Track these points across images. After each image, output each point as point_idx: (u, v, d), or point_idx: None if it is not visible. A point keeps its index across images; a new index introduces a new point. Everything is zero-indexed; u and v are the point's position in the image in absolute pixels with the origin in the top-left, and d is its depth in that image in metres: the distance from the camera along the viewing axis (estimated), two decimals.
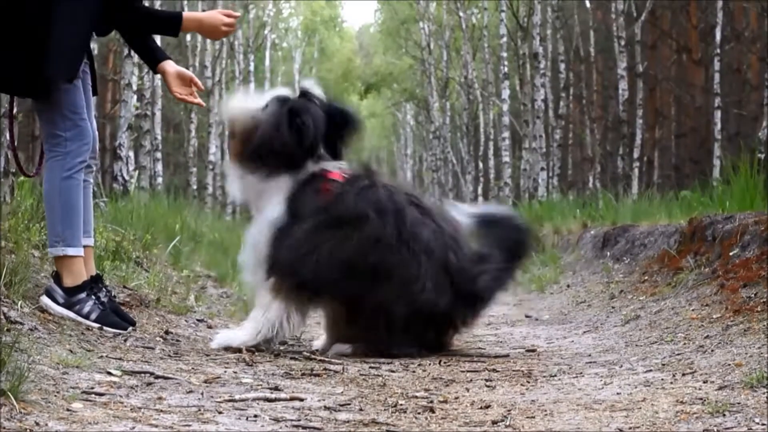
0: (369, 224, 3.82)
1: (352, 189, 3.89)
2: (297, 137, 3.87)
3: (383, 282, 3.82)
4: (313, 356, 3.79)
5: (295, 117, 3.88)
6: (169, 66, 4.07)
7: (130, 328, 3.95)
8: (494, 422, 2.49)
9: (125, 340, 3.73)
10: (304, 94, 3.97)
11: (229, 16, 4.04)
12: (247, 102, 4.01)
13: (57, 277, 3.88)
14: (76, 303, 3.85)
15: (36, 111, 3.92)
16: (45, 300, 3.85)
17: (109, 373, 2.96)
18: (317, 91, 4.00)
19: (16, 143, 4.16)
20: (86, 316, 3.85)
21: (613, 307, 5.52)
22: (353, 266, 3.81)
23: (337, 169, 3.96)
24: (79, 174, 3.85)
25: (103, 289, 3.97)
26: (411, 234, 3.86)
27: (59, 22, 3.74)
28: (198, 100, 4.16)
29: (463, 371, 3.54)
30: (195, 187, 20.20)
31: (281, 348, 3.98)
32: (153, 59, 4.12)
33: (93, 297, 3.89)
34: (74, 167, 3.83)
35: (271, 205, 3.89)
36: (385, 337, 3.87)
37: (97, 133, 4.06)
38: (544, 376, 3.35)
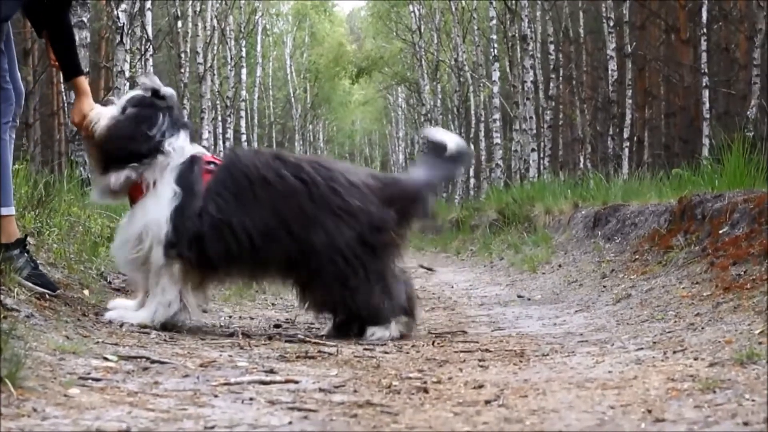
0: (274, 183, 3.88)
1: (240, 157, 4.01)
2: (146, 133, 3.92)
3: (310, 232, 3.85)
4: (307, 339, 3.82)
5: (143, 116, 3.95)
6: (84, 84, 4.07)
7: (58, 291, 3.95)
8: (487, 402, 2.51)
9: (121, 326, 3.75)
10: (155, 92, 4.00)
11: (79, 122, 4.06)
12: (104, 109, 4.04)
13: None
14: (8, 258, 3.83)
15: None
16: None
17: (106, 359, 2.98)
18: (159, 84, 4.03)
19: None
20: (18, 272, 3.82)
21: (604, 287, 5.55)
22: (271, 225, 3.85)
23: (205, 152, 4.05)
24: (5, 134, 3.82)
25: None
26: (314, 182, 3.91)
27: None
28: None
29: (456, 352, 3.57)
30: None
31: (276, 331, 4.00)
32: (73, 71, 4.07)
33: (26, 254, 3.90)
34: (0, 127, 3.80)
35: (159, 187, 3.89)
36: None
37: (23, 89, 4.03)
38: (537, 356, 3.38)
